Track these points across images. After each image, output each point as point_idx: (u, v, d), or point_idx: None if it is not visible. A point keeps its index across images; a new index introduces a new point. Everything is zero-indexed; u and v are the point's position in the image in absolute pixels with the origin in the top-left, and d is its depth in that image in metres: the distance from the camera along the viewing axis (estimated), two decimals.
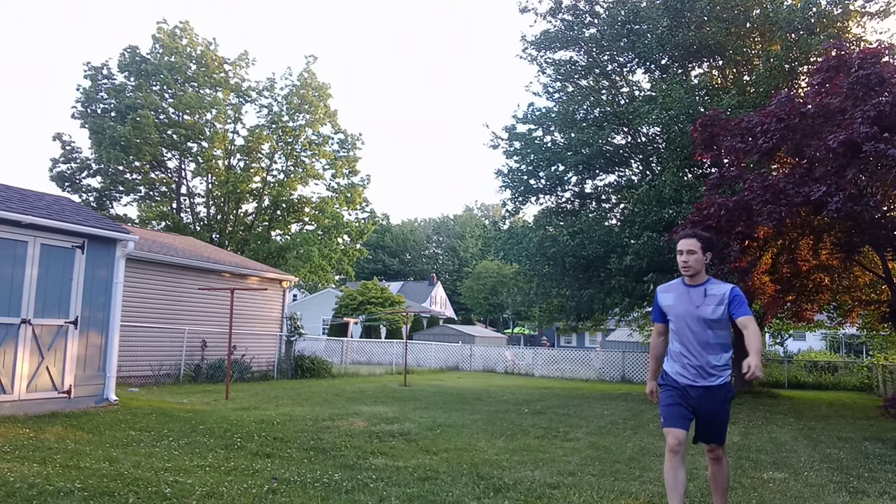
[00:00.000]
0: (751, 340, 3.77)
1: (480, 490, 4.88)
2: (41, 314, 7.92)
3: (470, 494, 4.74)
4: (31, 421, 7.06)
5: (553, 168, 17.72)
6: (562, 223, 17.22)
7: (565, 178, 18.18)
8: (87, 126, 27.56)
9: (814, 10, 14.77)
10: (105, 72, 28.60)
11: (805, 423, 10.47)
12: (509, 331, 56.58)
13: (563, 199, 19.14)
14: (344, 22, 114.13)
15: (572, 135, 17.12)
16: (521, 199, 18.59)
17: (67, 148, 28.51)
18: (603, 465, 6.11)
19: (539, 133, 18.42)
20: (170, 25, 29.19)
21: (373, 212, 33.65)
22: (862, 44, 13.99)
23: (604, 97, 18.46)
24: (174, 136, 28.30)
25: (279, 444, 6.45)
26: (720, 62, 17.69)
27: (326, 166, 31.58)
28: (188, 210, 30.65)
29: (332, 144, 31.60)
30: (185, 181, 30.51)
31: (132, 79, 28.31)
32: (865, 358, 25.60)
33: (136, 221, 29.83)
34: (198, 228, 29.46)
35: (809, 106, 10.66)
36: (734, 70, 17.64)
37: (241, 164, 30.36)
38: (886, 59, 10.33)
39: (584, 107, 17.96)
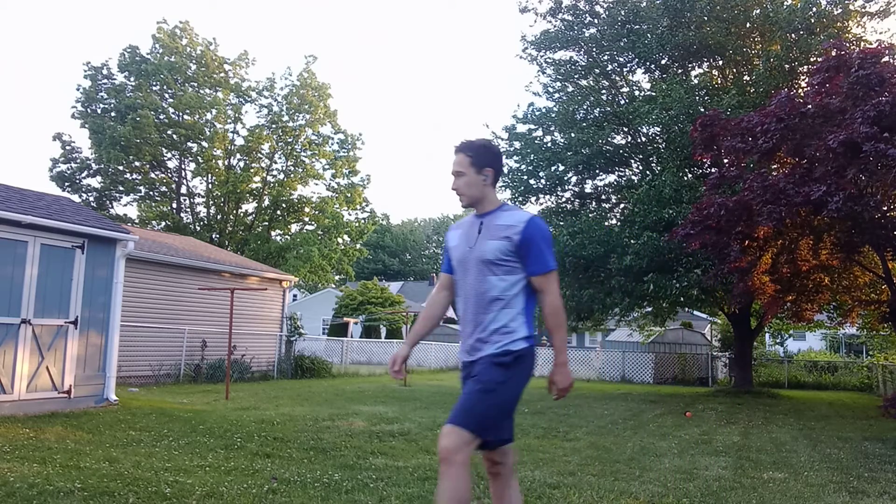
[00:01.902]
0: (548, 324, 2.69)
1: (480, 490, 4.87)
2: (41, 314, 7.92)
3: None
4: (31, 421, 7.06)
5: (553, 168, 17.72)
6: (562, 223, 17.21)
7: (565, 178, 18.18)
8: (87, 126, 27.56)
9: (814, 10, 14.78)
10: (105, 72, 28.59)
11: (805, 423, 10.47)
12: None
13: (563, 199, 19.15)
14: (344, 22, 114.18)
15: (572, 135, 17.12)
16: (521, 198, 18.57)
17: (67, 148, 28.52)
18: (603, 465, 6.11)
19: (539, 133, 18.43)
20: (170, 25, 29.21)
21: (373, 212, 33.65)
22: (862, 44, 14.00)
23: (604, 97, 18.46)
24: (174, 136, 28.29)
25: (279, 444, 6.45)
26: (720, 62, 17.70)
27: (326, 166, 31.58)
28: (188, 210, 30.65)
29: (332, 144, 31.60)
30: (185, 181, 30.52)
31: (132, 79, 28.31)
32: (865, 358, 25.61)
33: (136, 221, 29.83)
34: (198, 228, 29.45)
35: (809, 106, 10.67)
36: (734, 70, 17.64)
37: (241, 164, 30.35)
38: (886, 59, 10.34)
39: (584, 107, 17.96)
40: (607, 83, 18.88)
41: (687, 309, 21.00)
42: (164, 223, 29.69)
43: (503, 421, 2.78)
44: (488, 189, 2.83)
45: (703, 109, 14.64)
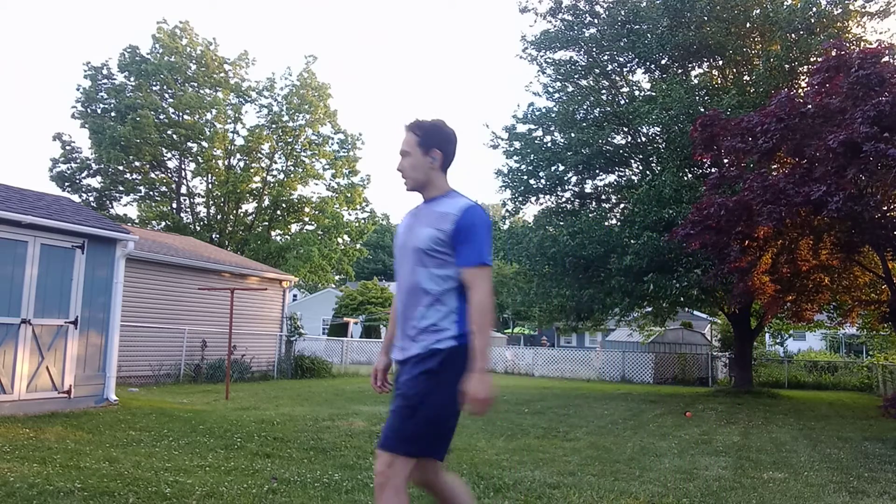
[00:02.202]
0: (472, 323, 2.38)
1: (480, 490, 4.87)
2: (41, 314, 7.92)
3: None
4: (31, 421, 7.06)
5: (553, 168, 17.72)
6: (562, 223, 17.21)
7: (565, 178, 18.18)
8: (87, 126, 27.56)
9: (814, 10, 14.78)
10: (105, 72, 28.59)
11: (805, 423, 10.47)
12: (509, 331, 56.56)
13: (563, 199, 19.15)
14: (344, 22, 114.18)
15: (572, 135, 17.12)
16: (521, 199, 18.59)
17: (67, 148, 28.51)
18: (603, 465, 6.11)
19: (539, 133, 18.43)
20: (170, 25, 29.21)
21: (373, 212, 33.65)
22: (862, 44, 14.00)
23: (604, 97, 18.46)
24: (174, 136, 28.29)
25: (279, 444, 6.45)
26: (720, 62, 17.69)
27: (326, 166, 31.57)
28: (188, 210, 30.65)
29: (332, 144, 31.59)
30: (185, 181, 30.51)
31: (132, 79, 28.30)
32: (865, 358, 25.61)
33: (136, 221, 29.83)
34: (198, 228, 29.45)
35: (809, 106, 10.67)
36: (734, 70, 17.64)
37: (241, 164, 30.35)
38: (886, 59, 10.34)
39: (584, 107, 17.96)
40: (607, 83, 18.88)
41: (687, 309, 21.01)
42: (164, 223, 29.68)
43: (439, 433, 2.41)
44: (435, 173, 2.56)
45: (703, 109, 14.64)
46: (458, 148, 2.62)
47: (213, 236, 29.44)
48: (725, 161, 13.57)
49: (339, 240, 32.10)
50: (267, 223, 31.13)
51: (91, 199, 28.41)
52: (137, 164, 28.31)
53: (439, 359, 2.37)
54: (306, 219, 31.77)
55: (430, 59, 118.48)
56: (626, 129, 18.05)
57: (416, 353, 2.42)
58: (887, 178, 9.67)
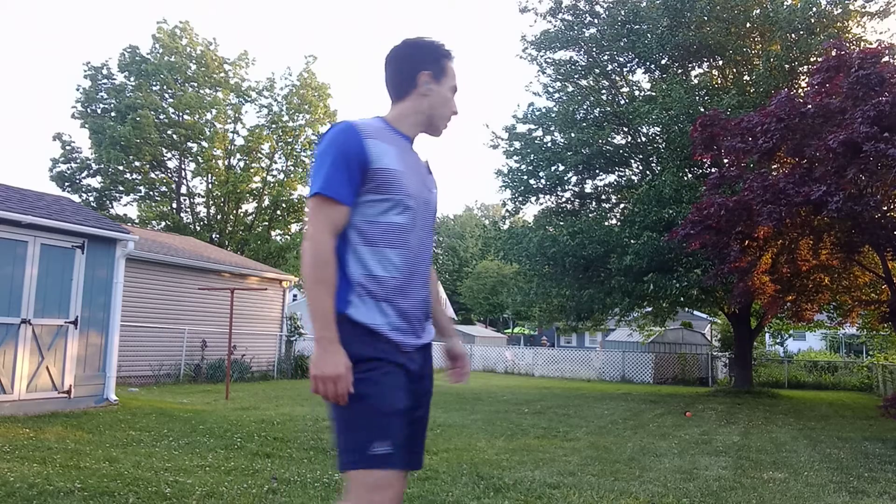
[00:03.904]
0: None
1: (480, 490, 4.88)
2: (41, 314, 7.93)
3: (470, 494, 4.73)
4: (31, 421, 7.06)
5: (553, 168, 17.72)
6: (562, 223, 17.23)
7: (565, 178, 18.18)
8: (87, 126, 27.55)
9: (814, 10, 14.78)
10: (105, 72, 28.58)
11: (805, 423, 10.47)
12: (509, 331, 56.57)
13: (563, 199, 19.15)
14: (344, 22, 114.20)
15: (572, 135, 17.13)
16: (521, 198, 18.59)
17: (67, 148, 28.49)
18: (603, 465, 6.11)
19: (539, 133, 18.43)
20: (170, 25, 29.19)
21: None
22: (862, 44, 14.00)
23: (604, 97, 18.46)
24: (174, 136, 28.29)
25: (279, 444, 6.45)
26: (720, 62, 17.69)
27: None
28: (188, 210, 30.64)
29: None
30: (185, 181, 30.50)
31: (132, 79, 28.29)
32: (865, 358, 25.59)
33: (136, 221, 29.82)
34: (198, 228, 29.44)
35: (809, 106, 10.66)
36: (734, 70, 17.64)
37: (241, 164, 30.34)
38: (886, 59, 10.33)
39: (584, 107, 17.97)
40: (607, 83, 18.88)
41: (687, 309, 21.00)
42: (164, 223, 29.68)
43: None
44: None
45: (703, 109, 14.64)
46: None
47: (213, 236, 29.44)
48: (725, 161, 13.56)
49: None
50: (267, 223, 31.12)
51: (91, 199, 28.40)
52: (137, 164, 28.29)
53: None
54: (306, 219, 31.75)
55: None
56: (626, 129, 18.06)
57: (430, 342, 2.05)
58: (887, 178, 9.67)
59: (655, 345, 25.02)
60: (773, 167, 12.36)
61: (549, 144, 18.10)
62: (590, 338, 39.46)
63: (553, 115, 17.97)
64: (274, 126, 29.89)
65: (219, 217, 30.58)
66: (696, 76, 17.95)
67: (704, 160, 15.12)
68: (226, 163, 30.22)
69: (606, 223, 17.10)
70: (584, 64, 18.36)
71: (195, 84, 29.30)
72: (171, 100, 28.68)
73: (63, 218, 8.38)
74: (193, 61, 29.35)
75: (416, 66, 2.09)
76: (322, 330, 1.76)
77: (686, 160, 15.37)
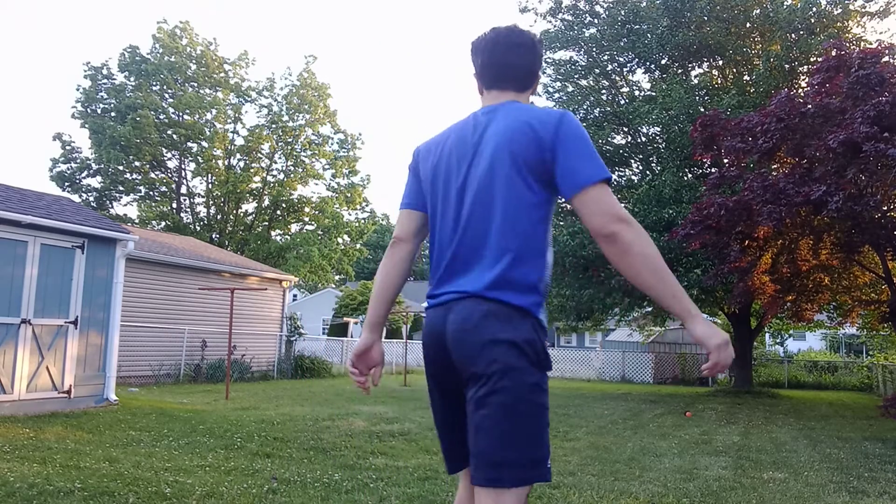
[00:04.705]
0: None
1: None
2: (41, 314, 7.93)
3: None
4: (31, 421, 7.06)
5: None
6: (562, 223, 17.22)
7: None
8: (87, 126, 27.56)
9: (814, 10, 14.79)
10: (105, 72, 28.59)
11: (805, 423, 10.47)
12: None
13: (563, 199, 19.14)
14: (344, 22, 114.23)
15: None
16: None
17: (67, 148, 28.51)
18: (603, 465, 6.11)
19: None
20: (170, 25, 29.21)
21: (373, 212, 33.69)
22: (862, 44, 14.01)
23: (604, 97, 18.47)
24: (174, 136, 28.30)
25: (279, 444, 6.45)
26: (720, 62, 17.70)
27: (326, 166, 31.59)
28: (188, 210, 30.65)
29: (332, 144, 31.61)
30: (185, 181, 30.51)
31: (132, 79, 28.31)
32: (865, 358, 25.59)
33: (136, 221, 29.83)
34: (198, 228, 29.46)
35: (809, 106, 10.66)
36: (734, 70, 17.65)
37: (241, 164, 30.36)
38: (886, 59, 10.34)
39: (584, 107, 17.97)
40: (607, 83, 18.89)
41: None
42: (164, 223, 29.69)
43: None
44: None
45: (703, 109, 14.66)
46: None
47: (213, 236, 29.45)
48: (725, 161, 13.57)
49: (339, 240, 32.11)
50: (267, 223, 31.13)
51: (91, 199, 28.41)
52: (137, 164, 28.30)
53: None
54: (306, 219, 31.78)
55: (431, 58, 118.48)
56: (626, 129, 18.06)
57: None
58: (887, 178, 9.67)
59: (655, 345, 25.01)
60: (773, 167, 12.37)
61: None
62: (590, 338, 39.47)
63: None
64: (274, 126, 29.90)
65: (219, 217, 30.60)
66: (696, 76, 17.96)
67: (704, 160, 15.13)
68: (226, 163, 30.23)
69: None
70: (584, 64, 18.36)
71: (195, 84, 29.31)
72: (171, 100, 28.69)
73: (63, 218, 8.38)
74: (193, 61, 29.36)
75: (540, 64, 1.99)
76: (691, 305, 1.63)
77: (686, 160, 15.38)
